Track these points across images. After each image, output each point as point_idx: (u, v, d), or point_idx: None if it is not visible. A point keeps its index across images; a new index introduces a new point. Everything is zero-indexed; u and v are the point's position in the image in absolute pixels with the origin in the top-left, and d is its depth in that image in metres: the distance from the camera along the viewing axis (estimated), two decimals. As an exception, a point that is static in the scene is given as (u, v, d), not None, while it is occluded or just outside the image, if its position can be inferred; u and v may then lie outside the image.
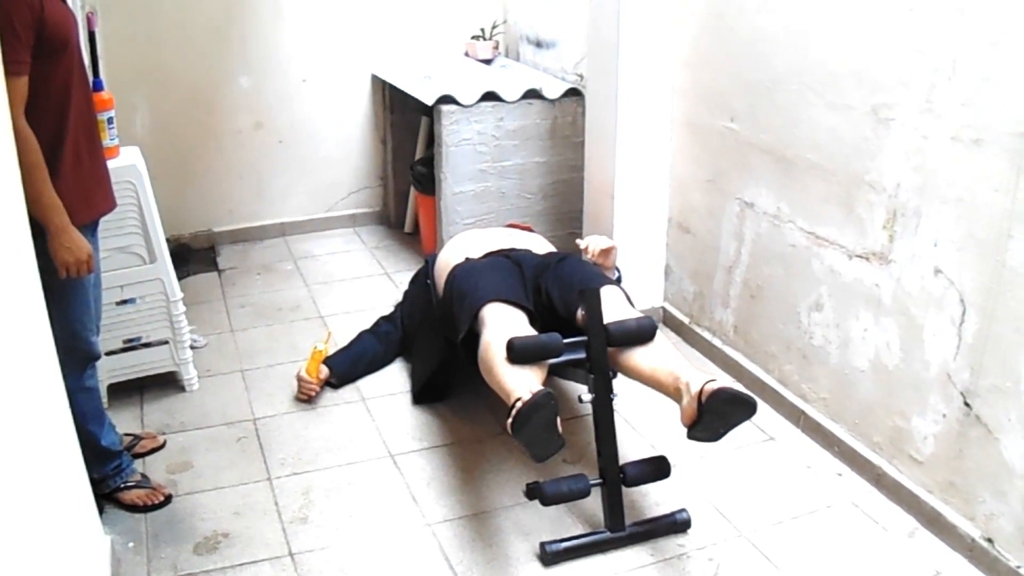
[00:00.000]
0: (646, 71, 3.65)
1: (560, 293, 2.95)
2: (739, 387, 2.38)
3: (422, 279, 3.66)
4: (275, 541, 2.69)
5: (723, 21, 3.34)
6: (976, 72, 2.38)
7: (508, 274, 3.04)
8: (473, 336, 2.83)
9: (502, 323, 2.74)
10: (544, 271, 3.07)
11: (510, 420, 2.32)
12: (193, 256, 4.85)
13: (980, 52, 2.37)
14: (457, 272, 3.09)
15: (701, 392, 2.36)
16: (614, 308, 2.77)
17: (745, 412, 2.38)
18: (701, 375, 2.44)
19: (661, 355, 2.65)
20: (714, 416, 2.36)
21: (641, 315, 2.76)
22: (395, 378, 3.60)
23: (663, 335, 2.73)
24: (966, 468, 2.58)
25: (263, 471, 3.02)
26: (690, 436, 2.45)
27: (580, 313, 2.75)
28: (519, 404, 2.32)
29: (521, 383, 2.45)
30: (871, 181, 2.77)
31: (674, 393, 2.51)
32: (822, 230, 3.01)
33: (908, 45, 2.57)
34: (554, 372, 2.68)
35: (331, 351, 3.57)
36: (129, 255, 3.24)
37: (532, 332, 2.72)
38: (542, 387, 2.38)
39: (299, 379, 3.44)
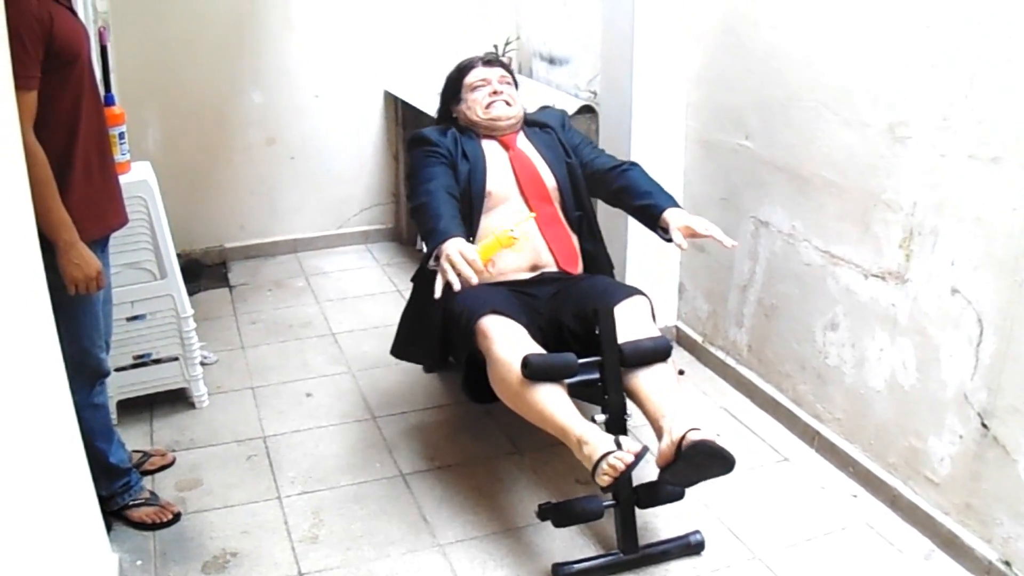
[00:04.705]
0: (660, 88, 3.64)
1: (574, 309, 2.87)
2: (720, 440, 2.38)
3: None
4: (284, 560, 2.66)
5: (737, 38, 3.33)
6: (993, 89, 2.36)
7: (508, 297, 2.90)
8: (475, 363, 2.79)
9: (508, 336, 2.67)
10: (555, 296, 2.97)
11: (608, 478, 2.35)
12: (204, 272, 4.85)
13: (997, 68, 2.34)
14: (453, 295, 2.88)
15: (682, 439, 2.36)
16: (631, 325, 2.74)
17: (721, 467, 2.39)
18: (685, 421, 2.42)
19: (659, 386, 2.62)
20: (689, 465, 2.36)
21: (657, 334, 2.74)
22: (405, 397, 3.58)
23: (672, 359, 2.70)
24: (983, 490, 2.54)
25: (273, 489, 3.00)
26: (661, 478, 2.46)
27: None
28: (618, 463, 2.33)
29: (585, 426, 2.47)
30: (887, 199, 2.75)
31: (656, 431, 2.52)
32: (837, 249, 2.98)
33: (924, 61, 2.55)
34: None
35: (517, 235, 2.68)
36: (139, 271, 3.24)
37: (537, 347, 2.68)
38: (638, 443, 2.40)
39: (463, 258, 2.56)
